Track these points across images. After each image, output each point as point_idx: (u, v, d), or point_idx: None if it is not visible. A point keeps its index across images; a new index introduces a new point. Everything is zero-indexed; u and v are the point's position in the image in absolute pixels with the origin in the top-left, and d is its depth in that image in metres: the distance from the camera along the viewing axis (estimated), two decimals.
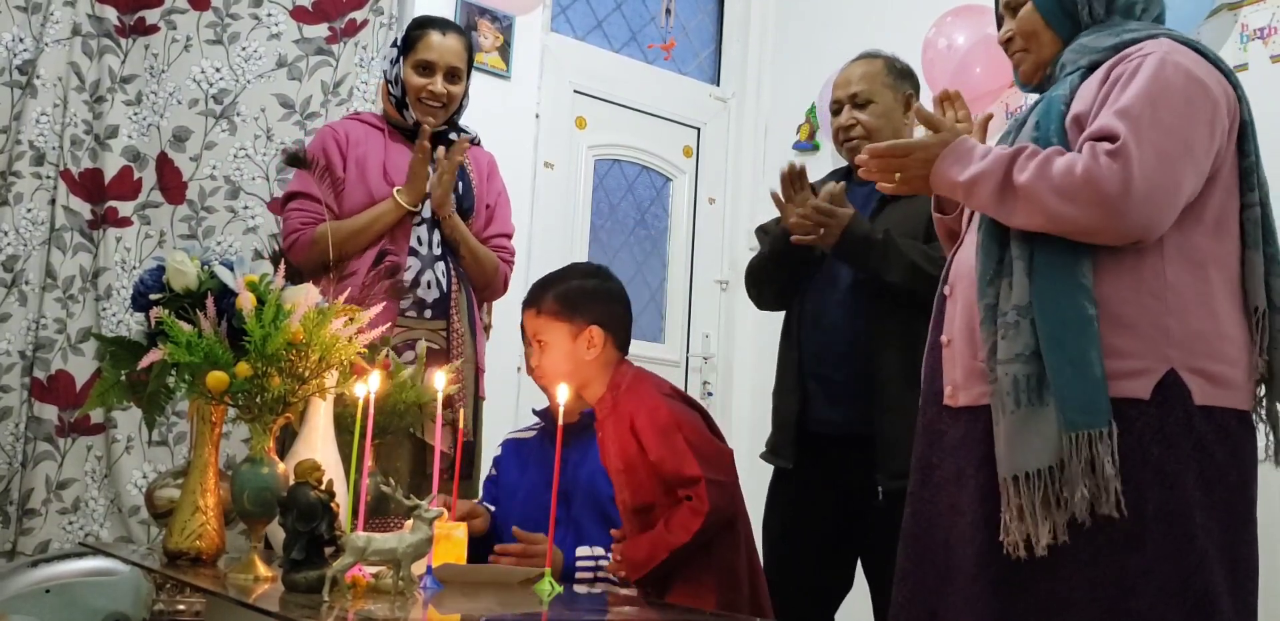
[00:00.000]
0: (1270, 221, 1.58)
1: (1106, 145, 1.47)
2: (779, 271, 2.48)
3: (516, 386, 3.57)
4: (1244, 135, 1.57)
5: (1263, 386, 1.58)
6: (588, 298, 2.07)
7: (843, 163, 2.63)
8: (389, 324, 2.26)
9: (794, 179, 2.39)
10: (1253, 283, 1.55)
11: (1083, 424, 1.44)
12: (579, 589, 2.19)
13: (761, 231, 2.63)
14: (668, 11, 4.63)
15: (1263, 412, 1.58)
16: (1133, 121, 1.48)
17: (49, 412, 3.05)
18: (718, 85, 4.73)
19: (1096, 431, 1.44)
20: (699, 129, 4.61)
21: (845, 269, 2.38)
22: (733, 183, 4.58)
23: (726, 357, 4.39)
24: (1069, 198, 1.47)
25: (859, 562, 2.45)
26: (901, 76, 2.58)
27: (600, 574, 2.19)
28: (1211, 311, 1.52)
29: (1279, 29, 3.08)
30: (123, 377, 1.90)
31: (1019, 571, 1.48)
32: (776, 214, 2.48)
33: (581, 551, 2.24)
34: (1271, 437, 1.56)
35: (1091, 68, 1.62)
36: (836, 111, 2.55)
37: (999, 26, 1.80)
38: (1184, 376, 1.48)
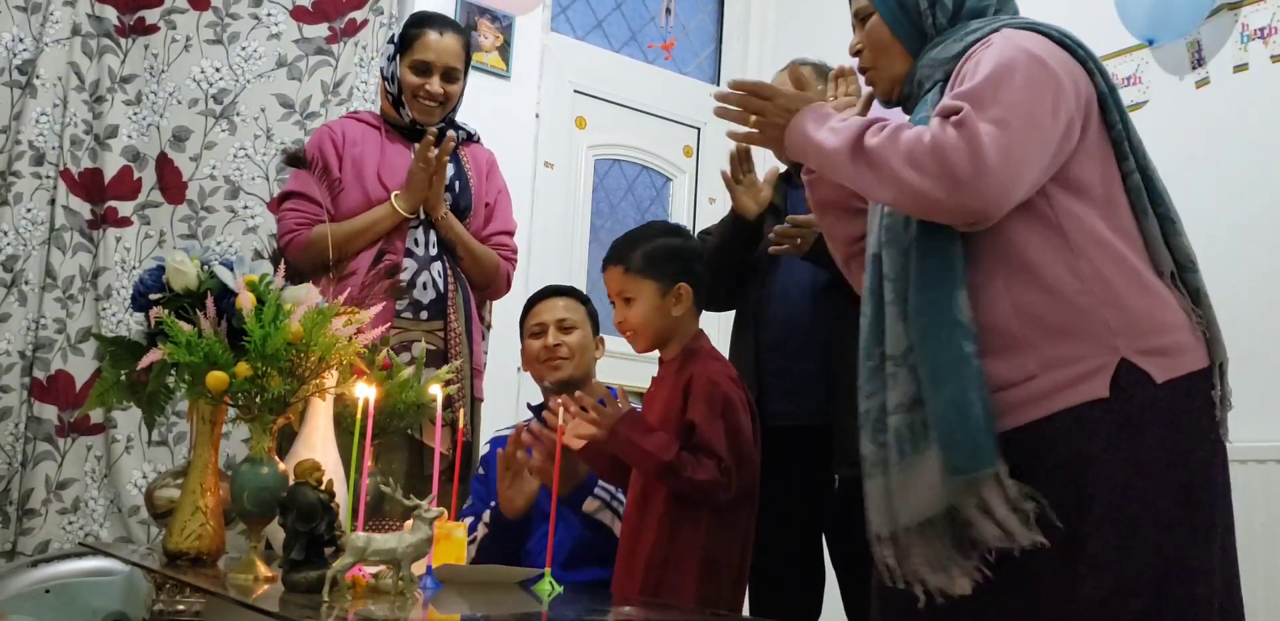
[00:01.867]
0: (1154, 183, 1.56)
1: (950, 118, 1.44)
2: (730, 262, 2.46)
3: (516, 387, 3.56)
4: (1104, 106, 1.56)
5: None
6: (676, 255, 2.10)
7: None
8: (386, 325, 2.26)
9: (742, 160, 2.43)
10: (1155, 247, 1.54)
11: (969, 469, 1.41)
12: (586, 506, 2.19)
13: (706, 233, 2.66)
14: (668, 11, 4.63)
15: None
16: (975, 99, 1.45)
17: (49, 412, 3.05)
18: (718, 85, 4.73)
19: (984, 474, 1.41)
20: (699, 129, 4.61)
21: (803, 265, 2.39)
22: None
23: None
24: (916, 166, 1.43)
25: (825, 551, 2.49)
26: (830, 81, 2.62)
27: (614, 505, 2.20)
28: (1140, 286, 1.50)
29: (1279, 29, 3.07)
30: (123, 377, 1.90)
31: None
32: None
33: (606, 483, 2.25)
34: (1220, 388, 1.54)
35: (947, 79, 1.60)
36: None
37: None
38: (1138, 362, 1.46)
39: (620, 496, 2.20)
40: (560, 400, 1.99)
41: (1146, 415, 1.45)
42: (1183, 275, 1.55)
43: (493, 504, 2.33)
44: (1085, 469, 1.44)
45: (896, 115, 1.67)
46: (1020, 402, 1.47)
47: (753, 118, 1.64)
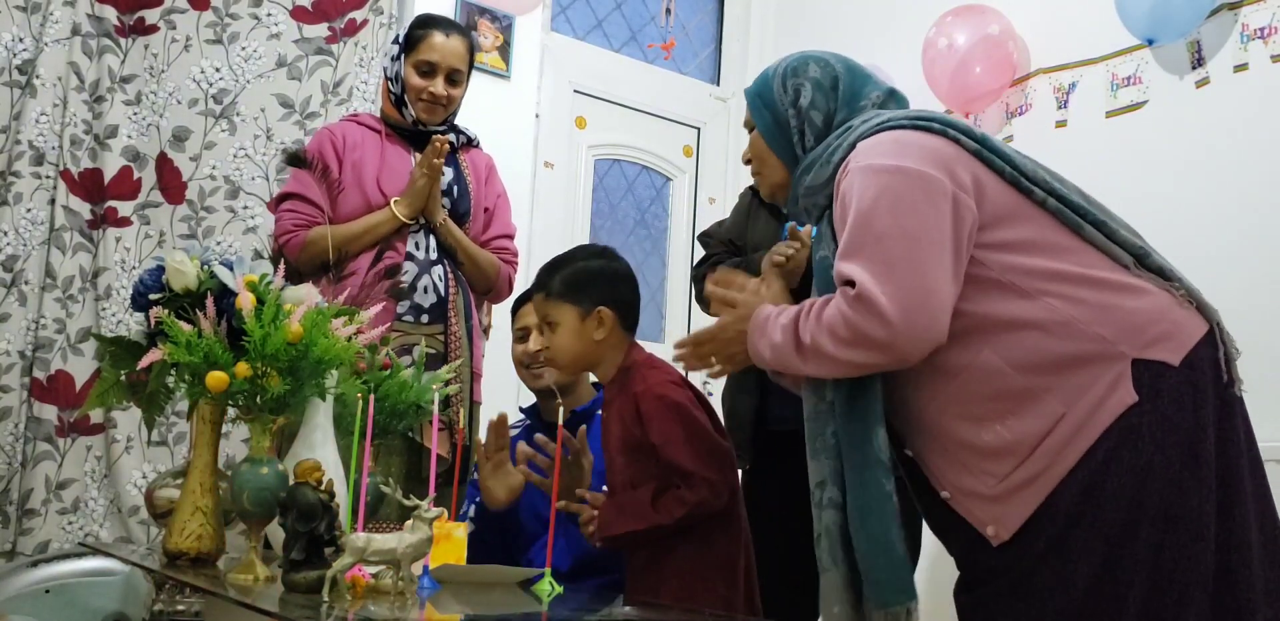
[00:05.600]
0: (1069, 199, 1.59)
1: (850, 290, 1.52)
2: None
3: (516, 390, 3.56)
4: (986, 160, 1.59)
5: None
6: (595, 278, 2.08)
7: None
8: (386, 325, 2.26)
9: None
10: (1107, 249, 1.57)
11: (892, 603, 1.55)
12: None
13: (706, 236, 2.65)
14: (668, 11, 4.63)
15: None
16: (856, 257, 1.52)
17: (49, 412, 3.05)
18: (718, 85, 4.73)
19: (903, 607, 1.55)
20: (699, 129, 4.61)
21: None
22: (733, 183, 4.58)
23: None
24: (847, 344, 1.52)
25: None
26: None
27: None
28: (1113, 290, 1.54)
29: (1279, 29, 3.07)
30: (122, 377, 1.90)
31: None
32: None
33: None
34: (1223, 347, 1.59)
35: (829, 204, 1.66)
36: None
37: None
38: (1149, 355, 1.50)
39: None
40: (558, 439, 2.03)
41: (1178, 406, 1.49)
42: (1143, 262, 1.58)
43: (478, 498, 2.32)
44: (1142, 479, 1.47)
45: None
46: (1064, 444, 1.50)
47: (712, 360, 1.78)
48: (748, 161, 1.82)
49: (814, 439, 1.67)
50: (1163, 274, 1.58)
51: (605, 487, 2.19)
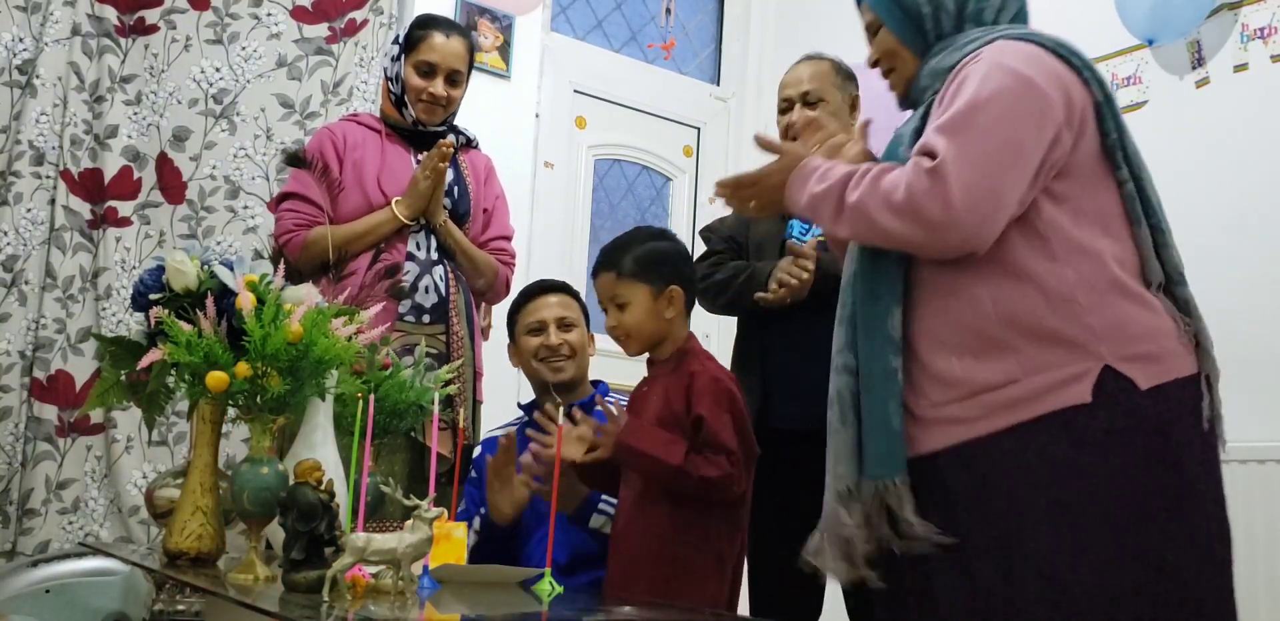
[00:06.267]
0: (1147, 193, 1.58)
1: (926, 161, 1.50)
2: (750, 305, 2.50)
3: (516, 388, 3.56)
4: (1100, 116, 1.57)
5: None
6: (666, 259, 2.13)
7: None
8: (386, 325, 2.26)
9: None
10: (1146, 258, 1.55)
11: (883, 475, 1.54)
12: (593, 522, 2.20)
13: (708, 231, 2.65)
14: (668, 11, 4.63)
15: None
16: (951, 135, 1.50)
17: (49, 412, 3.05)
18: (718, 85, 4.73)
19: (887, 483, 1.53)
20: (699, 129, 4.61)
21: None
22: None
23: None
24: (895, 214, 1.50)
25: None
26: (848, 78, 2.62)
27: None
28: (1126, 294, 1.52)
29: (1279, 29, 3.08)
30: (123, 377, 1.90)
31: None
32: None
33: (608, 497, 2.24)
34: (1207, 401, 1.55)
35: (940, 88, 1.64)
36: (786, 110, 2.58)
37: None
38: (1121, 368, 1.48)
39: None
40: (560, 414, 2.01)
41: (1130, 421, 1.47)
42: (1171, 287, 1.56)
43: (483, 510, 2.33)
44: (1068, 473, 1.45)
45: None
46: (1002, 405, 1.50)
47: (752, 204, 1.74)
48: (874, 64, 1.78)
49: (842, 306, 1.66)
50: (1183, 307, 1.56)
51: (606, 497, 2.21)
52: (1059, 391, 1.48)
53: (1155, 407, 1.48)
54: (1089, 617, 1.43)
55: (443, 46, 2.61)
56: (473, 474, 2.52)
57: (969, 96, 1.52)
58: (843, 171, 1.60)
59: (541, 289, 2.57)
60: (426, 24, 2.66)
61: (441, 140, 2.53)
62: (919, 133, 1.60)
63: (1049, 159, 1.51)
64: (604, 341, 2.55)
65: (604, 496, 2.22)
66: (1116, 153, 1.57)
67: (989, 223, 1.48)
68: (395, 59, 2.65)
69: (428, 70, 2.61)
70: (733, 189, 1.74)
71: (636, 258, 2.11)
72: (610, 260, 2.13)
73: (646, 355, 2.16)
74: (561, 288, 2.58)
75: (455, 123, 2.74)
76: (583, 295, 2.65)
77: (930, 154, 1.50)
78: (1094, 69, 1.59)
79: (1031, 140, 1.50)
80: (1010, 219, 1.51)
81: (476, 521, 2.35)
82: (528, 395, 2.60)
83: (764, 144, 1.73)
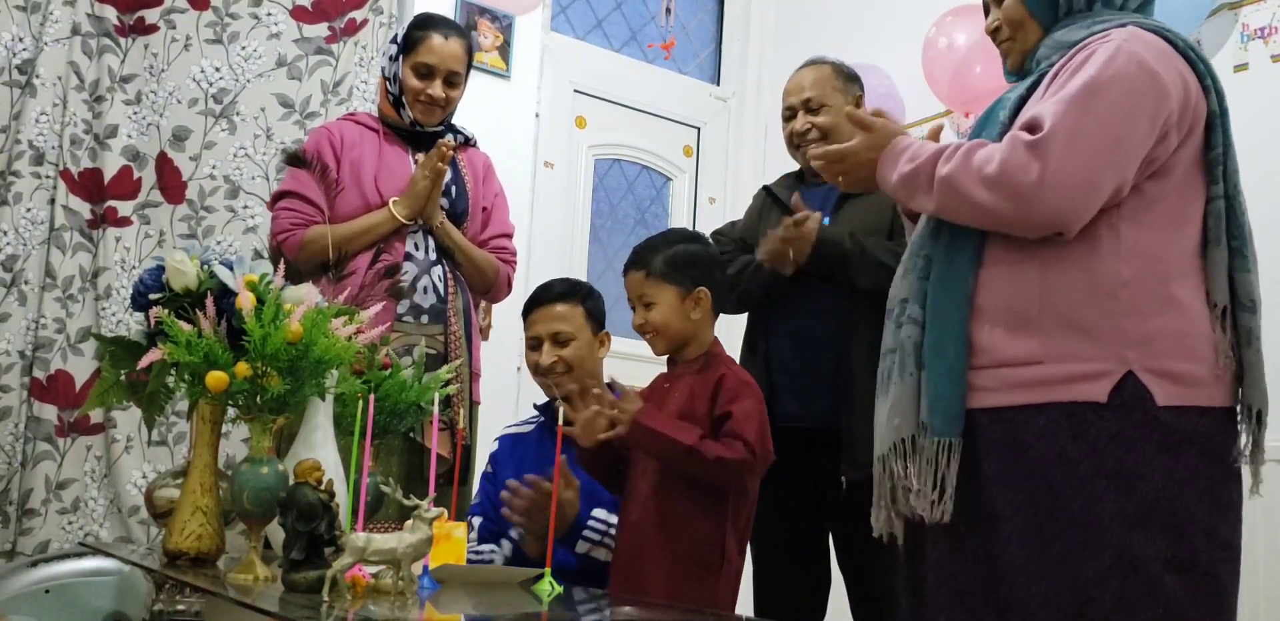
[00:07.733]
0: (1237, 215, 1.56)
1: (1027, 136, 1.48)
2: (759, 295, 2.51)
3: (516, 388, 3.56)
4: (1211, 127, 1.56)
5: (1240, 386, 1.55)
6: (696, 261, 2.16)
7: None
8: (386, 325, 2.26)
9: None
10: (1215, 278, 1.53)
11: (946, 433, 1.52)
12: (579, 547, 2.21)
13: (719, 234, 2.66)
14: (668, 11, 4.63)
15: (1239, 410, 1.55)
16: (1063, 112, 1.48)
17: (49, 412, 3.05)
18: (718, 85, 4.73)
19: (951, 440, 1.52)
20: (699, 129, 4.61)
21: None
22: (733, 182, 4.59)
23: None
24: (986, 186, 1.49)
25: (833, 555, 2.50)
26: (849, 79, 2.64)
27: (606, 540, 2.21)
28: (1174, 308, 1.49)
29: (1279, 29, 3.07)
30: (122, 377, 1.90)
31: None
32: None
33: (597, 513, 2.25)
34: (1246, 435, 1.53)
35: (1057, 61, 1.62)
36: (790, 117, 2.62)
37: (986, 15, 1.80)
38: (1144, 378, 1.46)
39: (612, 532, 2.21)
40: (575, 391, 2.04)
41: (1139, 432, 1.45)
42: (1237, 312, 1.53)
43: (515, 535, 2.32)
44: (1064, 469, 1.45)
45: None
46: (1018, 383, 1.50)
47: (840, 179, 1.75)
48: (993, 31, 1.77)
49: (911, 257, 1.65)
50: (1243, 336, 1.52)
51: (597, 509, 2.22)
52: (1076, 384, 1.47)
53: (1167, 427, 1.46)
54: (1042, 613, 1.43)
55: (441, 48, 2.61)
56: (489, 469, 2.52)
57: (1090, 75, 1.50)
58: (933, 148, 1.59)
59: (543, 298, 2.51)
60: (425, 24, 2.65)
61: (442, 141, 2.53)
62: (1023, 100, 1.59)
63: (1152, 155, 1.50)
64: (619, 344, 2.55)
65: (590, 521, 2.23)
66: (1217, 167, 1.56)
67: (1080, 205, 1.47)
68: (393, 59, 2.64)
69: (426, 72, 2.60)
70: (827, 163, 1.74)
71: (667, 258, 2.14)
72: (641, 259, 2.17)
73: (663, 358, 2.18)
74: (565, 294, 2.50)
75: (453, 122, 2.74)
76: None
77: (1034, 128, 1.48)
78: (1217, 79, 1.58)
79: (1142, 132, 1.48)
80: (1095, 211, 1.49)
81: (508, 546, 2.36)
82: (527, 395, 2.60)
83: (855, 120, 1.72)
